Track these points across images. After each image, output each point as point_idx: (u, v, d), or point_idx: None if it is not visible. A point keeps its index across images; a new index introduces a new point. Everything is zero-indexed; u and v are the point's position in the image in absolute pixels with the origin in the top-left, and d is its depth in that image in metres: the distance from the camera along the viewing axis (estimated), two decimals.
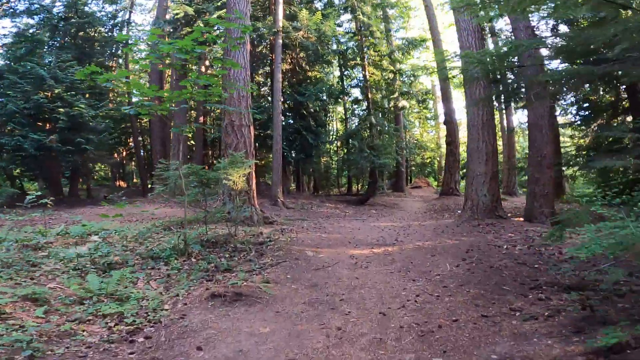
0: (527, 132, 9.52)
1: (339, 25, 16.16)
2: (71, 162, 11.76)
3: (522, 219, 8.54)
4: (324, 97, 14.13)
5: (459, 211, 9.94)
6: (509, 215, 8.84)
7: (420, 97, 16.27)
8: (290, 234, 6.98)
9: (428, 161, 33.84)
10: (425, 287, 3.94)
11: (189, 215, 5.92)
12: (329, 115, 17.10)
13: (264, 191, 12.79)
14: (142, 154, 18.62)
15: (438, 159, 34.44)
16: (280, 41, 13.36)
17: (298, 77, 16.11)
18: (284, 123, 12.99)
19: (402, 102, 17.39)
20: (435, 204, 14.83)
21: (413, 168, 32.16)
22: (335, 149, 25.74)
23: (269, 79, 15.66)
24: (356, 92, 18.78)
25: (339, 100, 16.43)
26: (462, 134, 29.14)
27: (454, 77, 11.67)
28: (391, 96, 16.92)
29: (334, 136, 24.10)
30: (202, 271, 4.33)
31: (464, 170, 26.76)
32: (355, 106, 18.09)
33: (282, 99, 12.10)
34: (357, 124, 17.00)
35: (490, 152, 8.36)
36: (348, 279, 4.35)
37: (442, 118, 37.86)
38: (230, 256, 5.13)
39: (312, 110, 14.30)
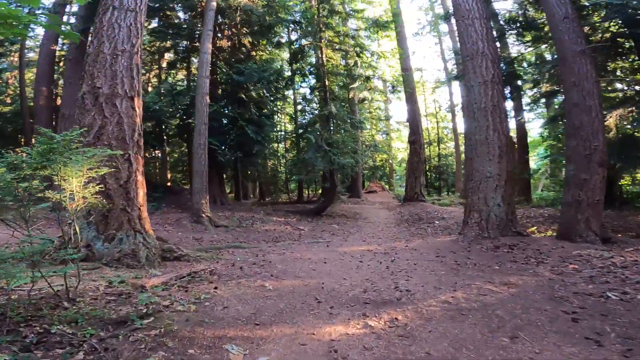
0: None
1: None
2: None
3: (535, 232, 6.36)
4: (271, 79, 10.93)
5: (452, 230, 7.54)
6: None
7: (390, 83, 13.88)
8: (203, 287, 3.73)
9: (380, 164, 32.41)
10: None
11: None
12: (276, 106, 13.83)
13: (186, 203, 9.21)
14: None
15: (390, 161, 33.38)
16: (214, 3, 10.00)
17: (239, 56, 12.73)
18: (213, 110, 9.54)
19: (364, 93, 14.97)
20: (403, 213, 12.55)
21: (366, 171, 30.46)
22: (284, 150, 22.59)
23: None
24: (309, 85, 15.99)
25: (289, 85, 13.35)
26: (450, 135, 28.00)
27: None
28: (351, 85, 14.35)
29: (281, 135, 20.96)
30: None
31: (436, 174, 25.13)
32: (309, 95, 15.16)
33: (209, 76, 8.63)
34: (310, 117, 14.12)
35: (504, 144, 6.04)
36: None
37: (395, 118, 37.15)
38: None
39: (254, 95, 11.00)
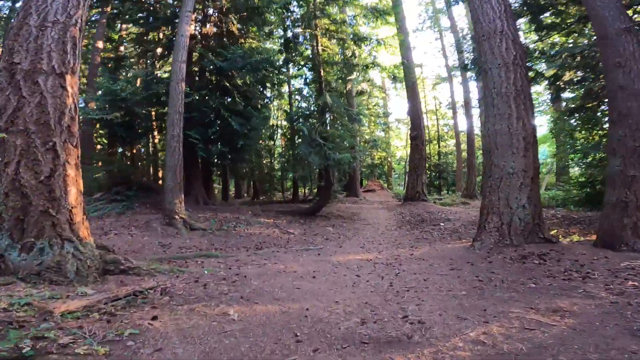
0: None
1: None
2: None
3: (566, 237, 5.38)
4: (259, 67, 9.85)
5: (461, 233, 6.57)
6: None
7: (389, 72, 12.83)
8: (138, 316, 2.72)
9: (378, 162, 31.50)
10: None
11: None
12: (266, 97, 12.67)
13: (163, 203, 8.13)
14: None
15: (389, 159, 32.48)
16: None
17: (225, 44, 11.69)
18: (193, 99, 8.49)
19: (362, 85, 13.96)
20: (404, 213, 11.57)
21: (364, 169, 29.51)
22: (279, 147, 21.52)
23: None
24: (302, 74, 14.90)
25: (282, 72, 12.27)
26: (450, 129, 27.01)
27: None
28: (348, 77, 13.33)
29: (276, 130, 19.89)
30: None
31: (429, 172, 24.07)
32: (303, 85, 14.09)
33: (185, 61, 7.55)
34: (304, 106, 13.05)
35: (531, 135, 5.05)
36: None
37: (394, 116, 36.20)
38: None
39: (239, 83, 9.92)
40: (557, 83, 7.99)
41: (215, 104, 8.81)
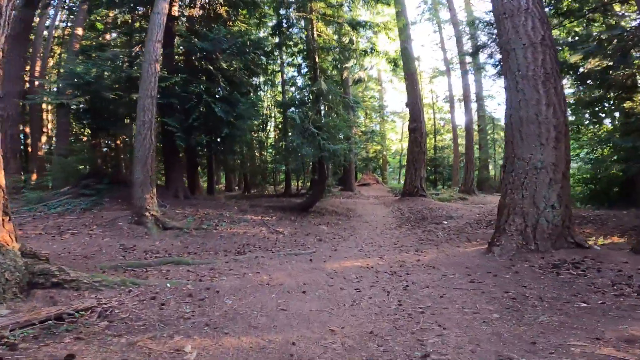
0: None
1: None
2: None
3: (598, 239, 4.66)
4: (246, 49, 8.87)
5: (469, 234, 5.84)
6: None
7: (388, 59, 11.95)
8: (49, 352, 1.90)
9: (373, 155, 30.81)
10: None
11: None
12: (253, 82, 11.57)
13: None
14: None
15: (384, 153, 31.85)
16: None
17: (211, 27, 10.68)
18: (170, 83, 7.53)
19: (359, 74, 13.09)
20: (403, 210, 10.84)
21: (358, 162, 28.78)
22: (273, 141, 20.57)
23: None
24: (295, 61, 13.90)
25: (273, 58, 11.31)
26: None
27: None
28: (345, 64, 12.43)
29: (269, 121, 18.90)
30: None
31: (428, 166, 23.25)
32: (295, 72, 13.13)
33: (161, 40, 6.56)
34: (298, 92, 12.11)
35: (562, 124, 4.29)
36: None
37: (390, 109, 35.42)
38: None
39: (224, 66, 8.95)
40: (580, 72, 7.24)
41: (197, 88, 7.86)
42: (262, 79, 12.53)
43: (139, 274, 3.71)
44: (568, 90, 11.02)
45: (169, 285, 3.31)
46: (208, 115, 7.88)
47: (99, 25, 13.16)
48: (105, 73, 7.24)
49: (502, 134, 29.85)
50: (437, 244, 5.86)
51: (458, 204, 13.03)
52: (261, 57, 9.69)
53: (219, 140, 8.92)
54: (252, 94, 8.99)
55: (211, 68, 8.42)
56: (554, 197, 4.17)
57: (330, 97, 9.97)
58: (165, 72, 7.84)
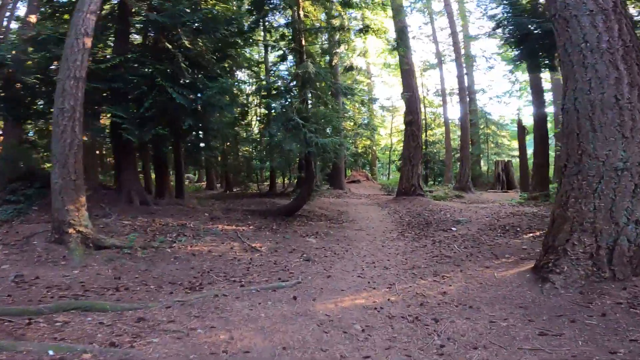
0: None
1: None
2: None
3: None
4: (216, 26, 7.24)
5: (492, 246, 4.62)
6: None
7: (384, 36, 10.58)
8: None
9: (362, 150, 29.69)
10: None
11: None
12: (224, 65, 9.71)
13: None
14: None
15: (374, 148, 30.83)
16: None
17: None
18: (111, 64, 5.94)
19: (351, 60, 11.74)
20: (400, 211, 9.61)
21: (348, 158, 27.56)
22: (256, 135, 18.94)
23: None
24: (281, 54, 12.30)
25: (251, 37, 9.73)
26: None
27: None
28: (335, 50, 11.01)
29: (250, 112, 17.26)
30: None
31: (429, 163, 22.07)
32: (280, 63, 11.60)
33: (96, 10, 4.92)
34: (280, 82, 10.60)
35: None
36: None
37: (380, 102, 34.23)
38: None
39: (187, 45, 7.27)
40: None
41: (150, 70, 6.25)
42: (240, 63, 10.90)
43: (15, 327, 2.28)
44: None
45: (51, 353, 1.89)
46: (165, 103, 6.32)
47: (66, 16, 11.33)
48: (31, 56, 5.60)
49: (493, 128, 29.22)
50: (457, 263, 4.60)
51: (456, 203, 11.94)
52: (235, 36, 8.12)
53: (178, 132, 7.33)
54: (224, 77, 7.42)
55: (169, 46, 6.82)
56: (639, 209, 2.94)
57: (318, 84, 8.55)
58: (97, 48, 6.23)
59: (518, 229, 6.95)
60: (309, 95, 8.17)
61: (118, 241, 4.52)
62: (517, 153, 29.71)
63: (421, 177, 12.61)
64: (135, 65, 6.51)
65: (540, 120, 11.58)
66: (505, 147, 28.59)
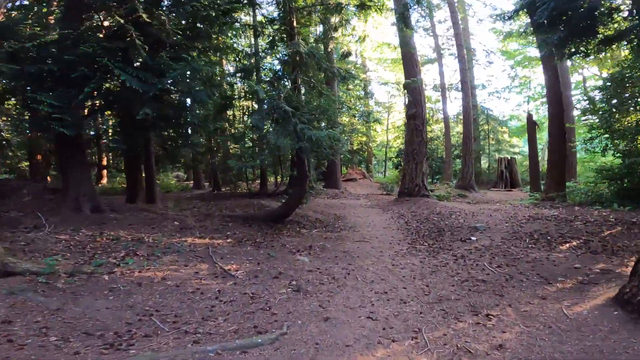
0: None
1: None
2: None
3: None
4: None
5: (530, 262, 3.48)
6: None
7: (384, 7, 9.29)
8: None
9: (358, 147, 28.64)
10: None
11: None
12: (208, 49, 8.19)
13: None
14: None
15: (370, 144, 29.82)
16: None
17: None
18: (41, 42, 4.60)
19: (349, 45, 10.54)
20: (405, 215, 8.45)
21: (344, 155, 26.37)
22: (241, 129, 17.55)
23: None
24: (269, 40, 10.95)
25: (230, 15, 8.38)
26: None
27: None
28: (331, 34, 9.79)
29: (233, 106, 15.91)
30: None
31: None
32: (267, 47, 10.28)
33: None
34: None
35: None
36: None
37: (375, 98, 33.07)
38: None
39: (147, 19, 5.78)
40: None
41: (92, 49, 4.89)
42: (217, 45, 9.49)
43: None
44: None
45: None
46: (112, 89, 5.00)
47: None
48: None
49: (493, 124, 28.25)
50: (497, 290, 3.43)
51: (463, 204, 10.84)
52: (209, 10, 6.77)
53: (132, 123, 5.98)
54: (197, 56, 6.10)
55: (119, 19, 5.47)
56: None
57: (311, 69, 7.29)
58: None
59: (549, 237, 5.85)
60: (301, 82, 6.92)
61: (36, 265, 3.26)
62: (517, 150, 28.97)
63: (426, 176, 11.46)
64: (72, 42, 5.13)
65: (556, 113, 10.51)
66: (505, 144, 27.72)
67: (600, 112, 9.38)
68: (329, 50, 11.06)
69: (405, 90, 12.49)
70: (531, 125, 12.88)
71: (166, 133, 9.16)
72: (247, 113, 15.18)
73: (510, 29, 21.69)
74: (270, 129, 6.00)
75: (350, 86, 25.06)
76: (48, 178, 9.81)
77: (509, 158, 20.67)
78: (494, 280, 3.76)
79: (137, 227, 5.08)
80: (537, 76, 27.37)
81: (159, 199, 7.81)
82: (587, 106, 10.00)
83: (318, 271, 4.05)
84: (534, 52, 22.00)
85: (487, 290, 3.49)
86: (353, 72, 7.75)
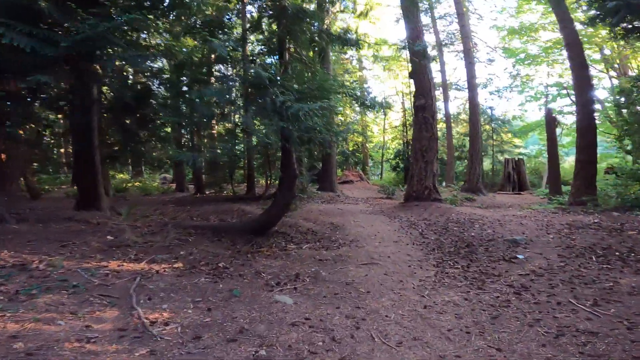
0: None
1: None
2: None
3: None
4: None
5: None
6: None
7: None
8: None
9: (354, 148, 27.28)
10: None
11: None
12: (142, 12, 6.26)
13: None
14: None
15: (366, 145, 28.48)
16: None
17: None
18: None
19: (347, 21, 9.02)
20: (418, 225, 6.90)
21: (337, 156, 24.84)
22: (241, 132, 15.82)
23: None
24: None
25: None
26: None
27: None
28: (329, 7, 8.27)
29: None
30: None
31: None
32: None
33: None
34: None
35: None
36: None
37: (372, 96, 31.74)
38: None
39: None
40: None
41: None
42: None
43: None
44: None
45: None
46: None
47: None
48: None
49: (494, 124, 27.02)
50: (629, 351, 1.85)
51: (476, 209, 9.38)
52: None
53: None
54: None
55: None
56: None
57: (301, 37, 5.66)
58: None
59: (617, 253, 4.39)
60: (287, 48, 5.30)
61: None
62: (521, 150, 27.72)
63: (437, 178, 9.93)
64: None
65: (586, 108, 9.10)
66: (508, 144, 26.50)
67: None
68: (326, 26, 9.51)
69: (412, 79, 10.96)
70: (551, 122, 11.49)
71: (127, 121, 7.54)
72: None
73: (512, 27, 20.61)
74: (242, 111, 4.39)
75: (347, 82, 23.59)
76: None
77: (517, 159, 19.31)
78: (608, 329, 2.19)
79: (40, 244, 3.42)
80: (540, 75, 26.27)
81: (105, 204, 6.11)
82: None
83: (307, 324, 2.42)
84: (536, 49, 20.86)
85: (609, 350, 1.91)
86: (352, 35, 6.10)
